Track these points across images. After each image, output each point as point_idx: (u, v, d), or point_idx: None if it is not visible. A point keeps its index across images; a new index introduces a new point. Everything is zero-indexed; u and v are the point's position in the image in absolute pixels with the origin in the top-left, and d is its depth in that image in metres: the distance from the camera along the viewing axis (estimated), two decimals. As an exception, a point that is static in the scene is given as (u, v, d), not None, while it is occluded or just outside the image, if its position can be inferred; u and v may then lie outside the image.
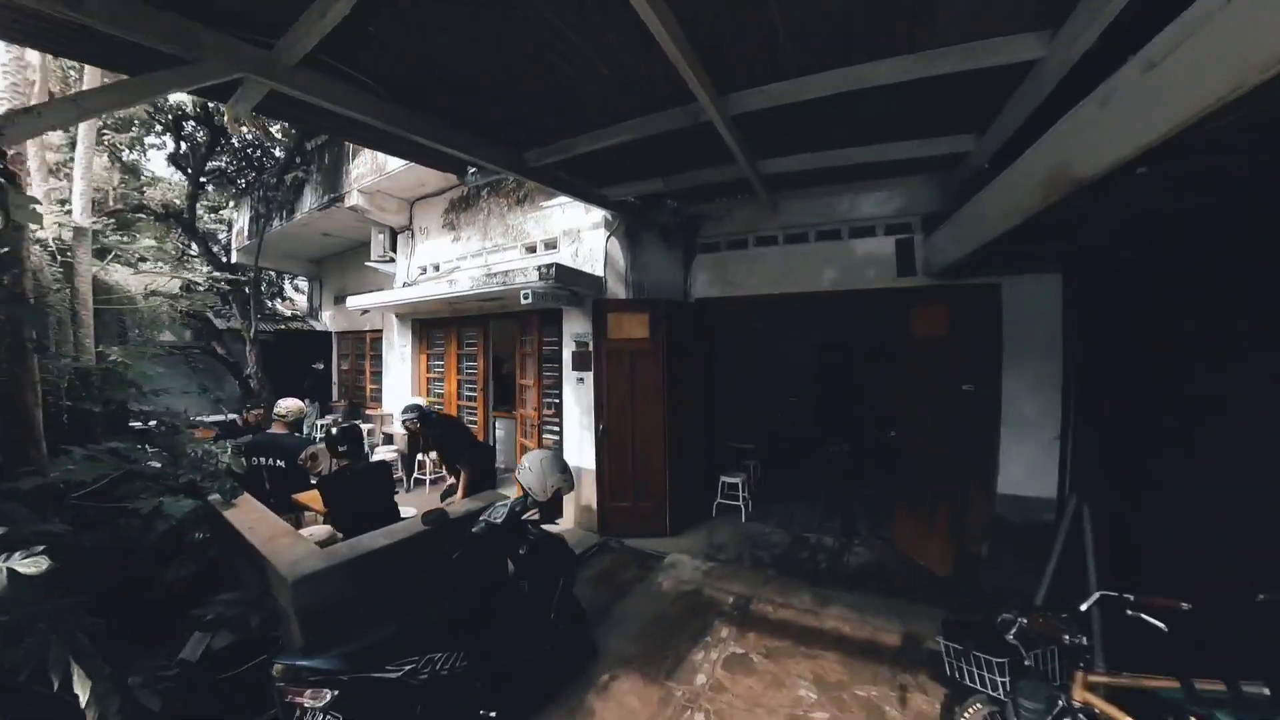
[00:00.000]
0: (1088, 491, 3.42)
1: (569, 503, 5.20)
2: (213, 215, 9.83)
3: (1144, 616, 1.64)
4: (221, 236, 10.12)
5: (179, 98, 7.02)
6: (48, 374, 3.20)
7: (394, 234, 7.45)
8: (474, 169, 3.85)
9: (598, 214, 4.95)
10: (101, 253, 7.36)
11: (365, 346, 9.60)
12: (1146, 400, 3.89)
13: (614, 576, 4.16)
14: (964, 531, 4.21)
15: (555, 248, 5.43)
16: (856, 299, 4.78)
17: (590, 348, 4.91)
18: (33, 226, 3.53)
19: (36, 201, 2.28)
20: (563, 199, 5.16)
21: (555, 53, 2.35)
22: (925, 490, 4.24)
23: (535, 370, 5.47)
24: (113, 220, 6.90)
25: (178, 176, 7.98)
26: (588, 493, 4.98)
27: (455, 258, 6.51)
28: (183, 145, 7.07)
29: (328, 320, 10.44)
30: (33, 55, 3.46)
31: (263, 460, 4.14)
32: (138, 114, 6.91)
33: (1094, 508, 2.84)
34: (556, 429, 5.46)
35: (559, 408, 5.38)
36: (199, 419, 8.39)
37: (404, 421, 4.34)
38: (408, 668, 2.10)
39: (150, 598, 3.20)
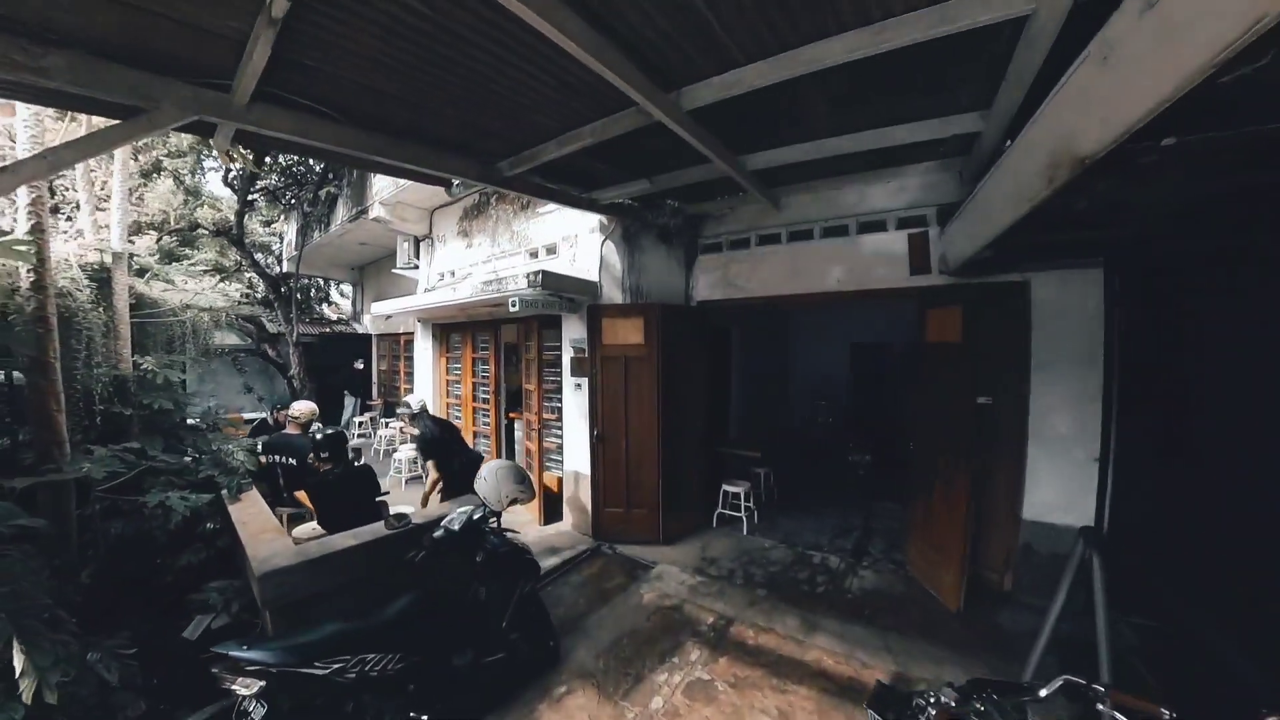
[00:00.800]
0: (1110, 532, 2.97)
1: (568, 506, 5.18)
2: (266, 229, 10.63)
3: (1117, 717, 1.33)
4: (275, 248, 10.93)
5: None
6: (79, 383, 3.56)
7: (417, 242, 7.73)
8: (457, 181, 3.89)
9: (596, 218, 4.88)
10: (167, 259, 8.15)
11: (400, 348, 10.08)
12: (1206, 418, 3.34)
13: (599, 583, 4.09)
14: (982, 560, 3.80)
15: (555, 253, 5.41)
16: (877, 298, 4.41)
17: (586, 353, 4.86)
18: (78, 250, 3.94)
19: (29, 242, 2.49)
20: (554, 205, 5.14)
21: (493, 70, 2.30)
22: (938, 511, 3.86)
23: (537, 375, 5.48)
24: (175, 237, 7.61)
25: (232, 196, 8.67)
26: (585, 496, 4.94)
27: (468, 264, 6.67)
28: (232, 167, 7.67)
29: (368, 323, 11.04)
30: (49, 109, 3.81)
31: (278, 459, 4.43)
32: (191, 142, 7.59)
33: (1113, 552, 2.44)
34: (558, 433, 5.46)
35: (560, 412, 5.37)
36: (247, 415, 9.16)
37: (399, 413, 4.57)
38: (335, 666, 2.14)
39: (164, 580, 3.50)
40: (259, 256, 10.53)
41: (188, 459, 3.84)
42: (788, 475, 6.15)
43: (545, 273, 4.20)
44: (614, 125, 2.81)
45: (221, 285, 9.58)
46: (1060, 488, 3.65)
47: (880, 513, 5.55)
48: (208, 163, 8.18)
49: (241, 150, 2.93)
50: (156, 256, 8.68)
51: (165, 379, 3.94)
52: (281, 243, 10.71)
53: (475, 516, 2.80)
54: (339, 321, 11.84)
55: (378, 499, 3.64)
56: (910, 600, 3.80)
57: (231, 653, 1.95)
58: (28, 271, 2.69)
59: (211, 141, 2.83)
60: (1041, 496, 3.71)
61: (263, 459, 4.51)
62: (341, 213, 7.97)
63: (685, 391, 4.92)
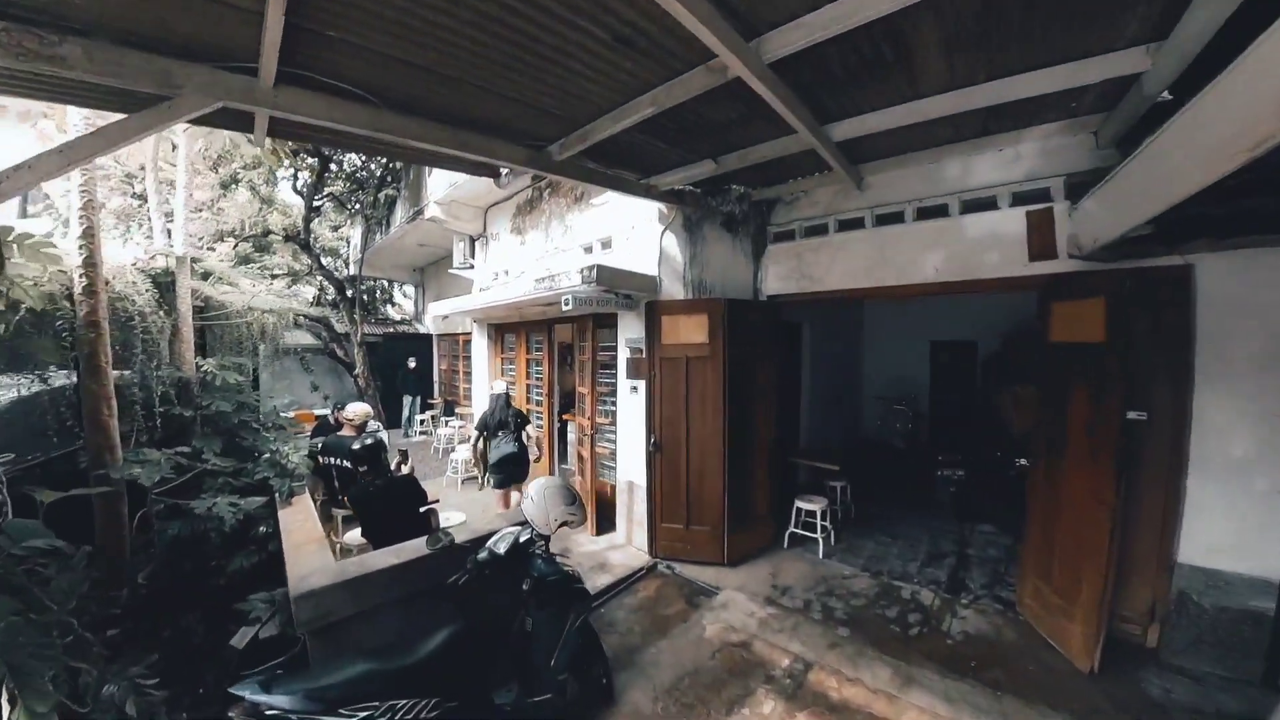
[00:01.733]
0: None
1: (621, 517, 4.86)
2: (335, 233, 11.09)
3: None
4: (343, 252, 11.40)
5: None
6: (135, 386, 3.62)
7: (473, 241, 7.69)
8: (505, 170, 3.64)
9: (654, 207, 4.51)
10: (242, 264, 8.61)
11: (459, 348, 10.20)
12: None
13: (655, 609, 3.72)
14: (1119, 607, 3.09)
15: (610, 247, 5.09)
16: (984, 290, 3.74)
17: (644, 354, 4.50)
18: (144, 255, 4.05)
19: (52, 245, 2.43)
20: (611, 194, 4.81)
21: (538, 26, 1.98)
22: (1064, 546, 3.18)
23: (591, 377, 5.20)
24: (250, 243, 8.00)
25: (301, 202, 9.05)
26: (640, 509, 4.59)
27: (522, 261, 6.50)
28: (300, 176, 7.97)
29: (429, 323, 11.30)
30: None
31: (332, 460, 4.41)
32: (262, 153, 7.95)
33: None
34: (612, 438, 5.14)
35: (614, 416, 5.05)
36: (317, 411, 9.54)
37: (491, 392, 5.15)
38: (363, 714, 1.90)
39: (217, 583, 3.49)
40: (328, 260, 11.04)
41: (221, 463, 3.85)
42: (866, 490, 5.51)
43: (600, 267, 3.88)
44: (678, 89, 2.42)
45: (295, 288, 10.13)
46: (1231, 526, 2.89)
47: (977, 538, 4.82)
48: (280, 172, 8.56)
49: (287, 149, 2.78)
50: (233, 262, 9.25)
51: (224, 380, 3.97)
52: (348, 246, 11.14)
53: (522, 539, 2.51)
54: (402, 322, 12.21)
55: (423, 509, 3.47)
56: (1025, 652, 3.16)
57: (249, 695, 1.75)
58: (80, 275, 2.68)
59: (250, 139, 2.73)
60: (1204, 535, 2.96)
61: (320, 460, 4.52)
62: (400, 214, 8.10)
63: (753, 395, 4.44)
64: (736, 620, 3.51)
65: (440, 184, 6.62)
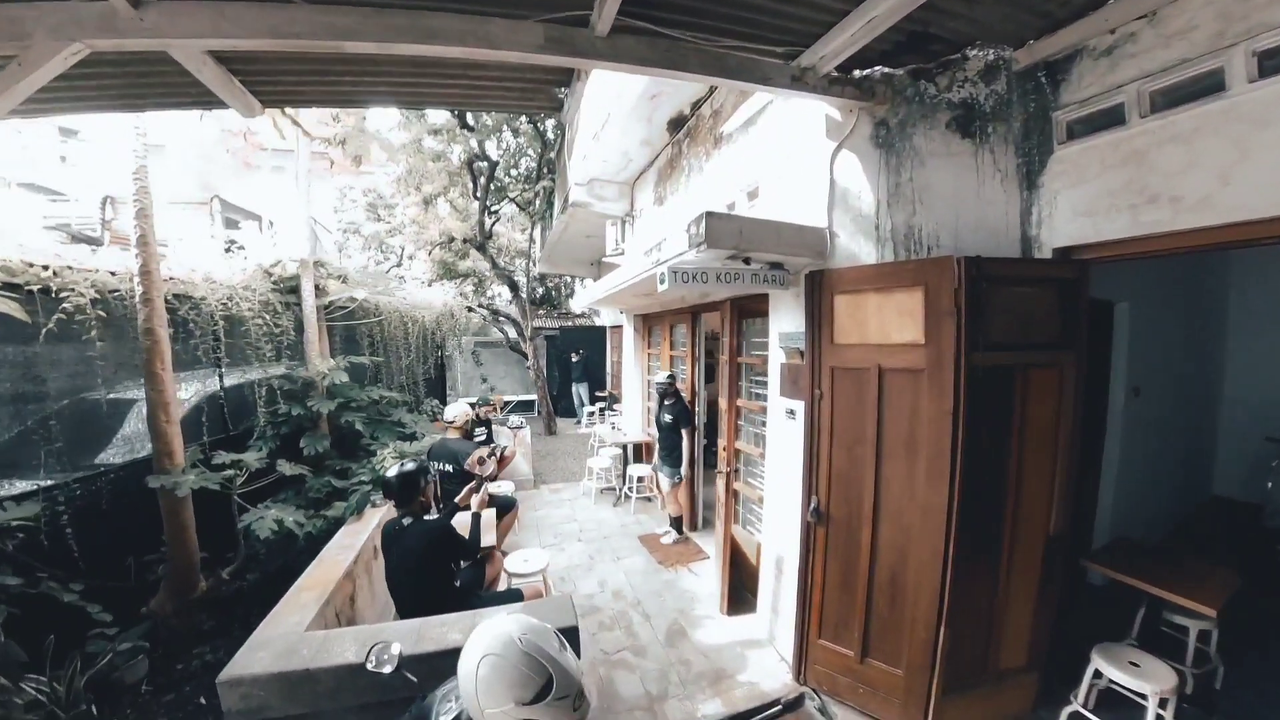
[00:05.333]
0: None
1: (765, 602, 3.27)
2: (523, 234, 11.74)
3: None
4: (533, 253, 12.05)
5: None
6: (262, 386, 3.64)
7: (623, 223, 6.87)
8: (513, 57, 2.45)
9: (816, 117, 2.79)
10: (441, 270, 9.51)
11: (621, 340, 9.76)
12: None
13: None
14: None
15: (757, 197, 3.50)
16: None
17: (801, 358, 2.85)
18: (256, 263, 4.17)
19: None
20: (758, 103, 3.22)
21: None
22: None
23: (731, 385, 3.69)
24: (443, 250, 8.74)
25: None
26: (785, 600, 2.96)
27: (661, 233, 5.31)
28: (477, 181, 8.32)
29: (604, 316, 11.17)
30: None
31: (438, 466, 4.07)
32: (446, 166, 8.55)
33: None
34: (760, 477, 3.59)
35: (764, 440, 3.49)
36: (505, 397, 10.11)
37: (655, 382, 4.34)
38: None
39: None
40: (521, 262, 11.79)
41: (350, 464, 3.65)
42: (1242, 611, 2.70)
43: (711, 219, 2.40)
44: None
45: (492, 290, 11.02)
46: None
47: None
48: (467, 182, 9.15)
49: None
50: (437, 270, 10.38)
51: (333, 381, 3.82)
52: (534, 247, 11.73)
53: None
54: (581, 316, 12.44)
55: (462, 562, 2.63)
56: None
57: None
58: (136, 284, 2.55)
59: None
60: None
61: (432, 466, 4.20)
62: (556, 205, 7.80)
63: (1012, 443, 2.33)
64: None
65: (578, 164, 5.91)
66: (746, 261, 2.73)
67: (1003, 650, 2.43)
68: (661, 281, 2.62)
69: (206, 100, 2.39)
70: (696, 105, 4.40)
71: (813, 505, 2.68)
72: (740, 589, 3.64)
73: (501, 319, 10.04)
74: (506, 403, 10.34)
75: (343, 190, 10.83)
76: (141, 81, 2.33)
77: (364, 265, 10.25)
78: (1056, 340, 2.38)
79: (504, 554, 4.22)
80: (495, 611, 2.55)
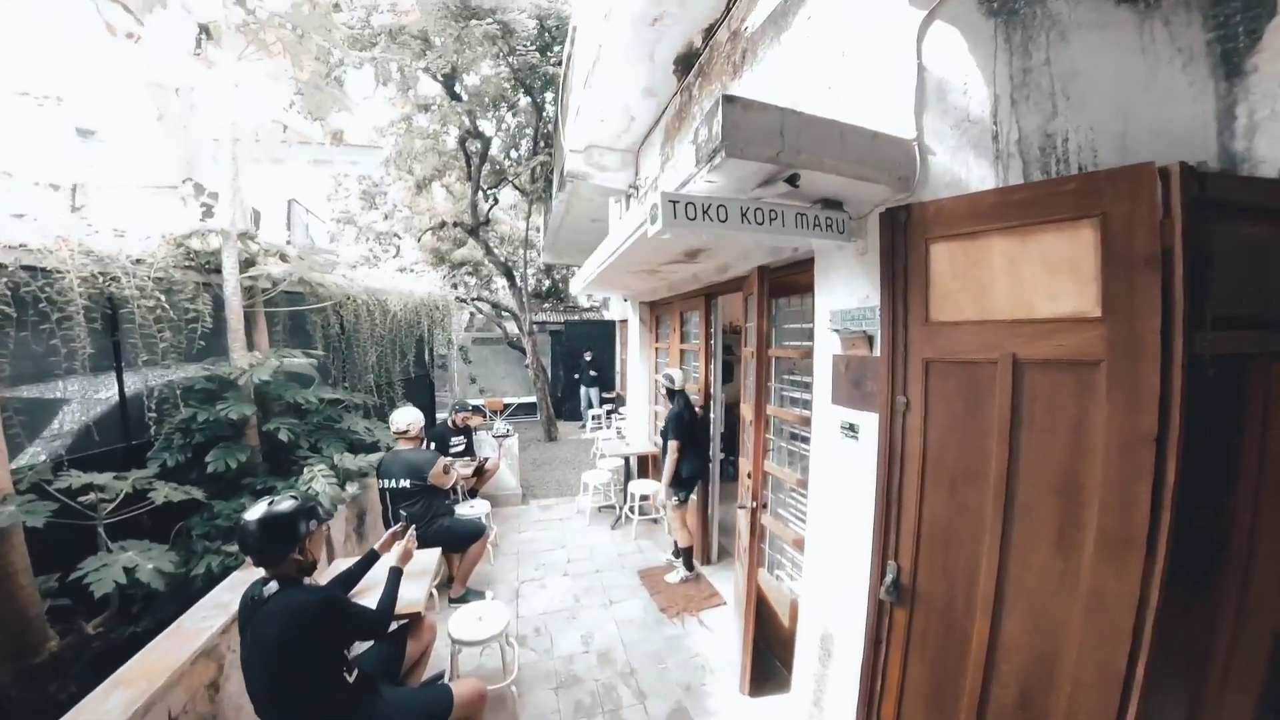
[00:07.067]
0: None
1: (804, 682, 2.35)
2: (527, 221, 10.96)
3: None
4: (537, 241, 11.25)
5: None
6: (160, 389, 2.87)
7: (628, 198, 5.99)
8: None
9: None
10: (434, 256, 8.75)
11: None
12: None
13: None
14: None
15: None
16: None
17: (870, 348, 1.93)
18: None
19: None
20: None
21: None
22: None
23: (757, 388, 2.76)
24: (435, 235, 7.99)
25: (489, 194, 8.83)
26: (836, 693, 2.05)
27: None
28: (472, 161, 7.53)
29: (614, 308, 10.32)
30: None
31: (386, 483, 3.37)
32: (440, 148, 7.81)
33: None
34: (799, 512, 2.67)
35: (803, 465, 2.57)
36: (506, 400, 9.35)
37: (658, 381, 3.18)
38: None
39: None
40: (529, 253, 11.02)
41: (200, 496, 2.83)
42: None
43: (731, 103, 1.49)
44: None
45: (490, 278, 10.25)
46: None
47: None
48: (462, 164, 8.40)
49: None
50: (430, 256, 9.65)
51: (257, 378, 3.05)
52: (537, 235, 10.94)
53: None
54: (589, 309, 11.61)
55: (344, 650, 1.78)
56: None
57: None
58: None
59: None
60: None
61: (379, 483, 3.43)
62: (555, 184, 6.98)
63: (1240, 490, 1.37)
64: None
65: (572, 128, 5.05)
66: (771, 182, 1.80)
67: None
68: (653, 221, 1.73)
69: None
70: (710, 32, 3.49)
71: (889, 576, 1.76)
72: (766, 655, 2.73)
73: (503, 313, 9.27)
74: (506, 405, 9.56)
75: (337, 178, 10.21)
76: None
77: (362, 256, 9.61)
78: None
79: (461, 600, 3.38)
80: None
